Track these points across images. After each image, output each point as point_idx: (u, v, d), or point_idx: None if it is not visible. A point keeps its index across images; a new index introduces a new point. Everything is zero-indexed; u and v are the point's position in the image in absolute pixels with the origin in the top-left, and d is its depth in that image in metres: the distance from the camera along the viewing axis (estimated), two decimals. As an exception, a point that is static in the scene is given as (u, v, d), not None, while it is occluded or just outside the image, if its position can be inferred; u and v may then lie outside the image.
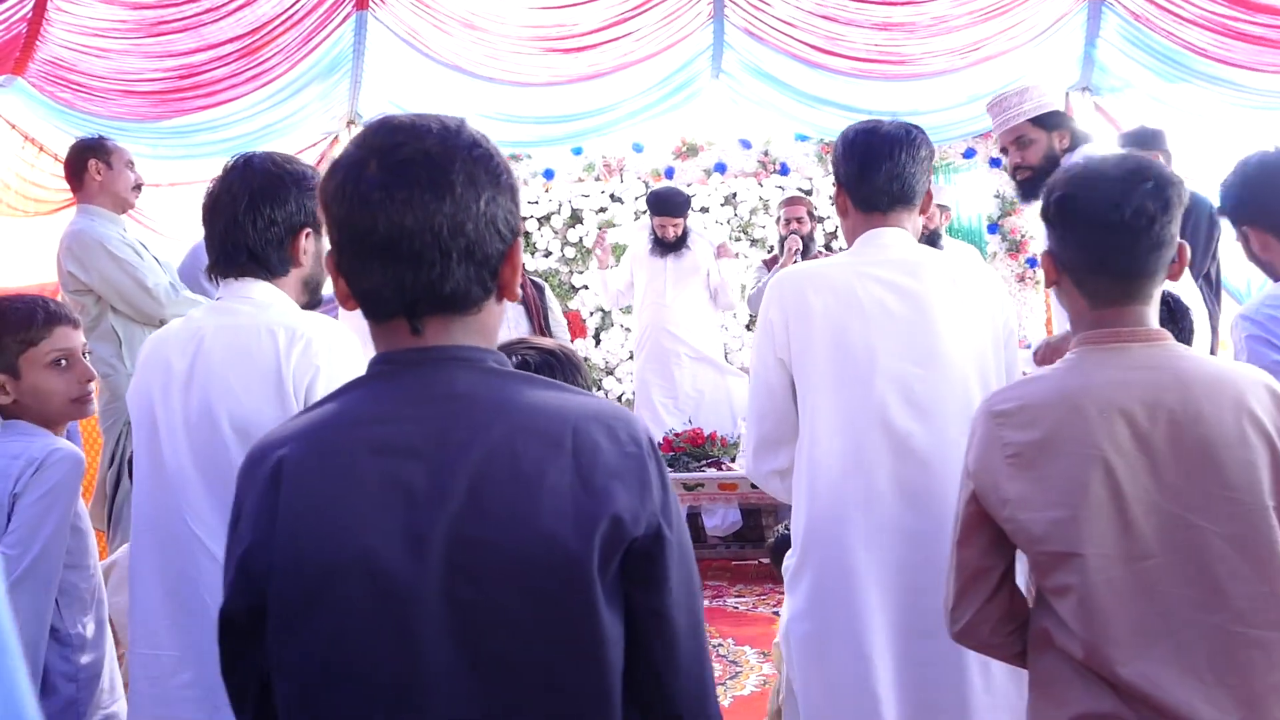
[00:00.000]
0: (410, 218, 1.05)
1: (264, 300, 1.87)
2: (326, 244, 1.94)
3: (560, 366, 1.79)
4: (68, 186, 6.26)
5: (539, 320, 5.23)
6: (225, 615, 1.11)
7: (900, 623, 1.93)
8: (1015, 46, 5.41)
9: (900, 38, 5.32)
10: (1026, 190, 3.49)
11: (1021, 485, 1.48)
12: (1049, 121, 3.42)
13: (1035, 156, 3.43)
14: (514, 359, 1.94)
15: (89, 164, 3.78)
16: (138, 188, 3.92)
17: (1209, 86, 5.45)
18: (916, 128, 2.06)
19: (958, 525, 1.59)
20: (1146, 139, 4.62)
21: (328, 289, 1.72)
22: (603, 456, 1.05)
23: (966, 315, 1.96)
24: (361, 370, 1.81)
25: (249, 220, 1.86)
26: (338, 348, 1.83)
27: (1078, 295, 1.57)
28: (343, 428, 1.10)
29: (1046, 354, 3.31)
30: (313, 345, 1.80)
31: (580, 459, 1.05)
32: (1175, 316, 2.13)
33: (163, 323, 3.67)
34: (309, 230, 1.91)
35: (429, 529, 1.03)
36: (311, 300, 1.98)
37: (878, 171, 2.01)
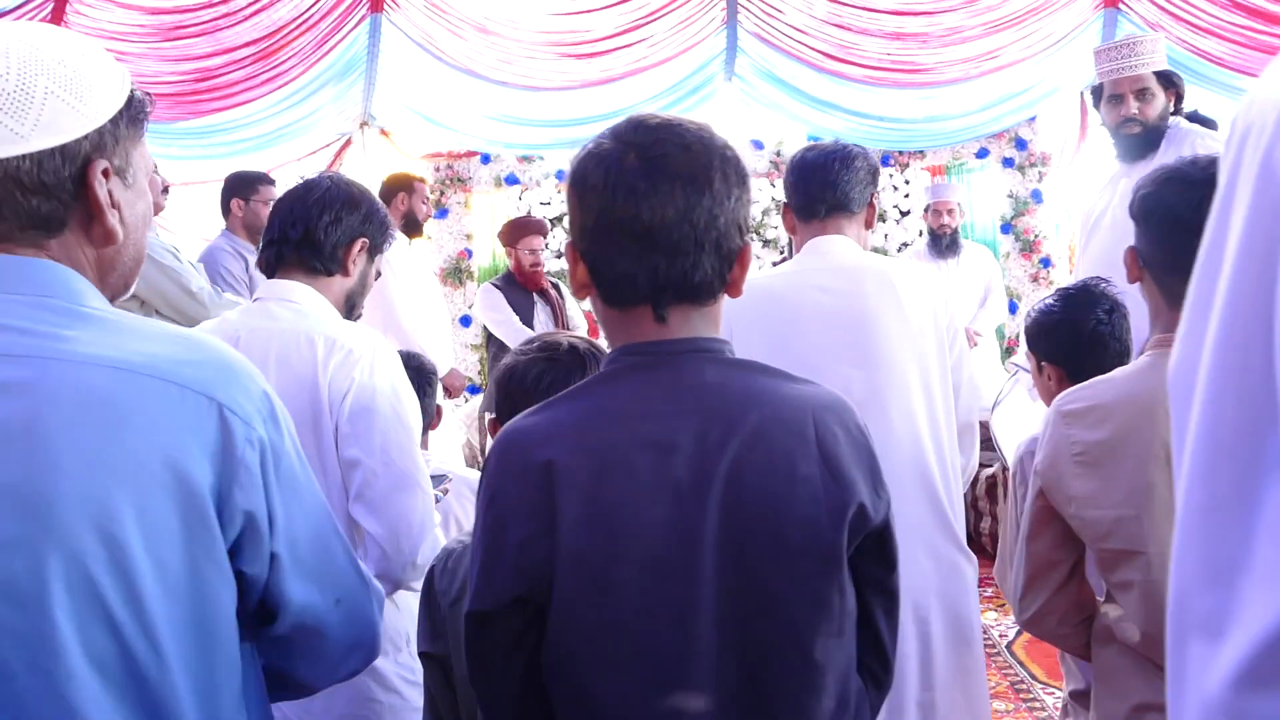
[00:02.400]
0: (672, 209, 1.12)
1: (305, 306, 1.87)
2: (375, 270, 2.01)
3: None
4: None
5: (561, 321, 5.29)
6: (486, 608, 1.14)
7: None
8: (1030, 55, 5.39)
9: (914, 47, 5.30)
10: (1128, 147, 3.30)
11: (1088, 484, 1.54)
12: (1168, 80, 3.28)
13: (1154, 112, 3.27)
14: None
15: None
16: (165, 190, 3.95)
17: (1226, 96, 5.42)
18: (857, 147, 2.15)
19: (1026, 520, 1.64)
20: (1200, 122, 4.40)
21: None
22: (841, 446, 1.15)
23: (908, 318, 1.99)
24: (403, 383, 1.86)
25: (317, 211, 1.89)
26: (379, 361, 1.83)
27: (1157, 294, 1.62)
28: (612, 424, 1.15)
29: None
30: (351, 356, 1.80)
31: (824, 448, 1.14)
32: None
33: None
34: (366, 243, 1.95)
35: (697, 520, 1.11)
36: (347, 319, 1.98)
37: (813, 180, 2.09)
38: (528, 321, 5.19)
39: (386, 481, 1.78)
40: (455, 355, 6.12)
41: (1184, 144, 3.29)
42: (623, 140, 1.15)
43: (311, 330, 1.81)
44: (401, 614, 1.92)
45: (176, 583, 0.94)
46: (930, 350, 1.99)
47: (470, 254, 6.83)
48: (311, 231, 1.89)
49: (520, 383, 1.76)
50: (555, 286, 5.38)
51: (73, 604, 0.89)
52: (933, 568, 1.95)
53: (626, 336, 1.19)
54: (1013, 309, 6.60)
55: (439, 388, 2.92)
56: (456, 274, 6.86)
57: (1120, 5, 5.45)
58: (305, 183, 1.98)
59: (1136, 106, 3.22)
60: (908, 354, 1.97)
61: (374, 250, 1.98)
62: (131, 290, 3.19)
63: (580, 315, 5.49)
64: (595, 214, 1.15)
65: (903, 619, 1.95)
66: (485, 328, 5.35)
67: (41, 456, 0.89)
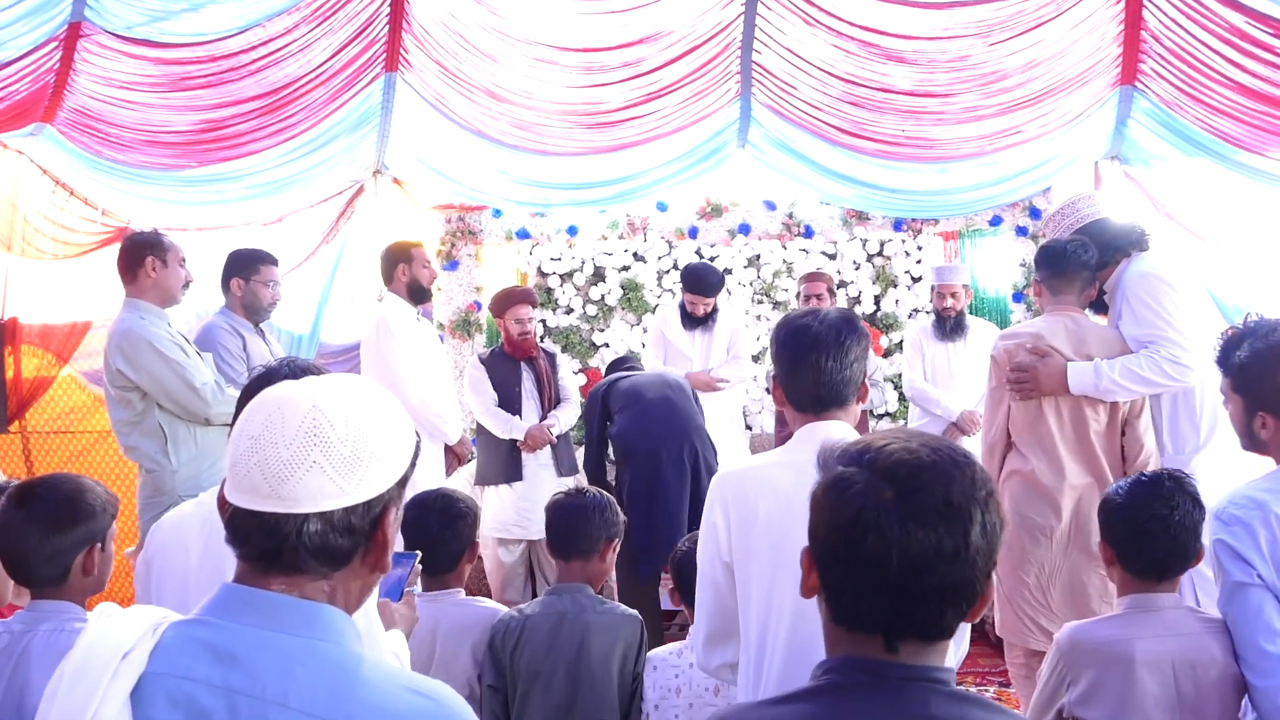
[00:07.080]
0: (923, 561, 1.08)
1: None
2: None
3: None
4: (97, 229, 6.37)
5: (549, 391, 5.24)
6: None
7: None
8: (1047, 131, 5.34)
9: (929, 124, 5.26)
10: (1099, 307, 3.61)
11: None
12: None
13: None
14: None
15: (146, 260, 3.78)
16: (187, 284, 3.93)
17: (1241, 174, 5.36)
18: (849, 322, 2.02)
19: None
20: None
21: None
22: None
23: None
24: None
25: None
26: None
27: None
28: None
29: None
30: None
31: None
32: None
33: (208, 421, 3.71)
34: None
35: None
36: None
37: (805, 378, 2.01)
38: (515, 390, 5.14)
39: None
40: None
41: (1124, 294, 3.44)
42: (881, 472, 1.12)
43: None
44: None
45: None
46: None
47: (480, 306, 6.80)
48: None
49: (566, 516, 2.79)
50: (549, 355, 5.35)
51: None
52: None
53: (850, 650, 1.16)
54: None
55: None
56: (465, 326, 6.83)
57: (1136, 84, 5.40)
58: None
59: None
60: None
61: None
62: (136, 383, 3.30)
63: (574, 385, 5.41)
64: (840, 543, 1.13)
65: None
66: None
67: None
